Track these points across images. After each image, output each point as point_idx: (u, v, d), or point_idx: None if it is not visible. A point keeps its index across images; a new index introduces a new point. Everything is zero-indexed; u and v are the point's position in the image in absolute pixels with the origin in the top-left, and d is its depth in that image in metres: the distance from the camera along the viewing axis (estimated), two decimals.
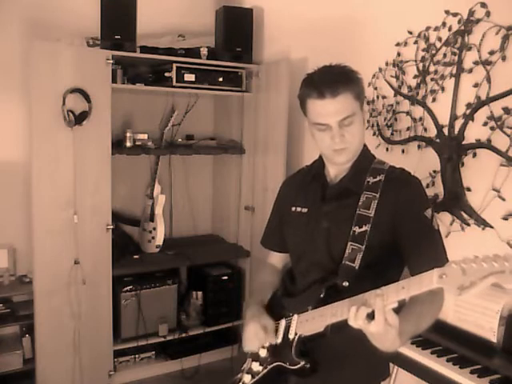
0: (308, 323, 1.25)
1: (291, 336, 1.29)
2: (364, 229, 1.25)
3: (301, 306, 1.30)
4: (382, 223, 1.25)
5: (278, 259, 1.58)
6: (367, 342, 1.10)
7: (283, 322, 1.34)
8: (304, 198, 1.41)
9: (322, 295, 1.25)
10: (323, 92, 1.22)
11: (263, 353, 1.35)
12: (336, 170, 1.36)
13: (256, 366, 1.36)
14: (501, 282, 0.90)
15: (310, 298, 1.28)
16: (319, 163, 1.42)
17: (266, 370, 1.34)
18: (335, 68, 1.29)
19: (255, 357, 1.38)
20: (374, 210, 1.25)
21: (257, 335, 1.31)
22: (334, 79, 1.23)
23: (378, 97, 2.43)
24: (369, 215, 1.25)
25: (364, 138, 1.34)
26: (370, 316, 1.05)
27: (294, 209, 1.42)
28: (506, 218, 1.86)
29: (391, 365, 2.05)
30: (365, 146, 1.38)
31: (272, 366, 1.33)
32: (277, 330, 1.34)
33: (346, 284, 1.23)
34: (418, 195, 1.29)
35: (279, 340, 1.32)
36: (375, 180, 1.29)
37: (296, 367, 1.26)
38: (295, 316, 1.30)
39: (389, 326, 1.04)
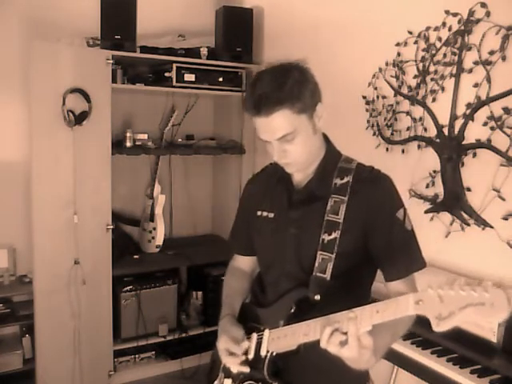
0: (280, 340, 1.18)
1: (263, 353, 1.21)
2: (333, 236, 1.17)
3: (272, 320, 1.23)
4: (352, 229, 1.18)
5: (245, 263, 1.50)
6: (341, 359, 1.05)
7: (254, 337, 1.26)
8: (270, 201, 1.32)
9: (292, 310, 1.19)
10: (258, 109, 1.13)
11: (235, 369, 1.28)
12: (301, 173, 1.28)
13: (228, 383, 1.30)
14: (481, 316, 0.83)
15: (281, 312, 1.21)
16: None
17: None
18: (279, 75, 1.15)
19: (227, 373, 1.32)
20: (342, 214, 1.18)
21: (228, 350, 1.25)
22: (270, 94, 1.11)
23: (377, 97, 2.43)
24: (338, 221, 1.18)
25: (316, 145, 1.25)
26: (343, 340, 1.00)
27: (260, 213, 1.33)
28: (506, 218, 1.86)
29: (391, 365, 2.06)
30: (329, 142, 1.30)
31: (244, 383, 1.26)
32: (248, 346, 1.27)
33: (317, 297, 1.16)
34: (388, 196, 1.21)
35: (251, 356, 1.24)
36: (342, 182, 1.22)
37: None
38: (266, 331, 1.22)
39: (363, 349, 0.99)
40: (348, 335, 0.99)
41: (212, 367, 1.43)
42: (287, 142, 1.16)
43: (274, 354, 1.20)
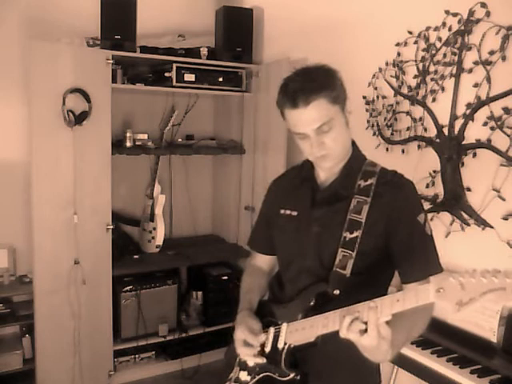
0: (298, 333, 1.21)
1: (280, 346, 1.25)
2: (355, 235, 1.21)
3: (290, 314, 1.26)
4: (373, 229, 1.22)
5: (264, 261, 1.53)
6: (358, 351, 1.08)
7: (272, 331, 1.29)
8: (293, 200, 1.36)
9: (311, 303, 1.22)
10: (295, 101, 1.18)
11: (251, 362, 1.31)
12: (326, 173, 1.32)
13: (244, 376, 1.32)
14: (501, 300, 0.87)
15: (300, 305, 1.25)
16: (309, 165, 1.37)
17: (254, 380, 1.30)
18: (309, 72, 1.24)
19: (243, 366, 1.34)
20: (365, 215, 1.22)
21: (245, 341, 1.27)
22: (305, 86, 1.18)
23: (377, 97, 2.43)
24: (360, 220, 1.22)
25: (349, 139, 1.31)
26: (363, 329, 1.03)
27: (283, 211, 1.37)
28: (506, 218, 1.86)
29: (391, 365, 2.06)
30: (355, 146, 1.34)
31: (260, 376, 1.28)
32: (265, 339, 1.30)
33: (336, 292, 1.19)
34: (410, 200, 1.26)
35: (268, 349, 1.28)
36: (366, 183, 1.26)
37: (286, 379, 1.22)
38: (284, 325, 1.26)
39: (382, 339, 1.02)
40: (368, 324, 1.02)
41: (227, 363, 1.45)
42: (324, 132, 1.20)
43: (292, 346, 1.23)
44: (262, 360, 1.27)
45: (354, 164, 1.31)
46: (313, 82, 1.19)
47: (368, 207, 1.22)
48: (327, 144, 1.22)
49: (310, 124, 1.19)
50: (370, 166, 1.31)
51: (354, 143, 1.34)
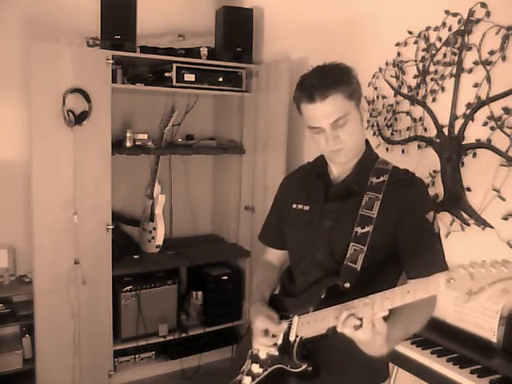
0: (309, 325, 1.24)
1: (292, 338, 1.28)
2: (366, 230, 1.24)
3: (301, 307, 1.28)
4: (384, 225, 1.24)
5: (275, 256, 1.56)
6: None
7: (283, 324, 1.32)
8: (306, 195, 1.39)
9: (322, 296, 1.25)
10: (313, 95, 1.21)
11: (263, 354, 1.34)
12: (339, 169, 1.35)
13: (256, 368, 1.35)
14: (510, 289, 0.90)
15: (311, 298, 1.27)
16: (322, 161, 1.40)
17: (266, 372, 1.32)
18: (326, 69, 1.27)
19: (255, 358, 1.37)
20: (376, 210, 1.24)
21: (266, 332, 1.30)
22: (322, 82, 1.22)
23: (377, 97, 2.43)
24: (371, 216, 1.24)
25: (363, 135, 1.34)
26: (358, 324, 1.07)
27: (295, 206, 1.40)
28: (506, 218, 1.86)
29: (391, 365, 2.05)
30: (368, 145, 1.37)
31: (272, 368, 1.31)
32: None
33: (347, 285, 1.22)
34: (421, 198, 1.29)
35: (280, 342, 1.31)
36: (378, 180, 1.29)
37: (298, 370, 1.25)
38: (295, 317, 1.29)
39: (376, 334, 1.05)
40: (363, 319, 1.05)
41: (238, 357, 1.47)
42: (339, 127, 1.23)
43: (303, 338, 1.26)
44: (274, 352, 1.30)
45: (367, 161, 1.34)
46: (330, 78, 1.22)
47: (379, 203, 1.25)
48: (342, 138, 1.25)
49: (327, 118, 1.22)
50: (383, 164, 1.34)
51: (367, 141, 1.38)
